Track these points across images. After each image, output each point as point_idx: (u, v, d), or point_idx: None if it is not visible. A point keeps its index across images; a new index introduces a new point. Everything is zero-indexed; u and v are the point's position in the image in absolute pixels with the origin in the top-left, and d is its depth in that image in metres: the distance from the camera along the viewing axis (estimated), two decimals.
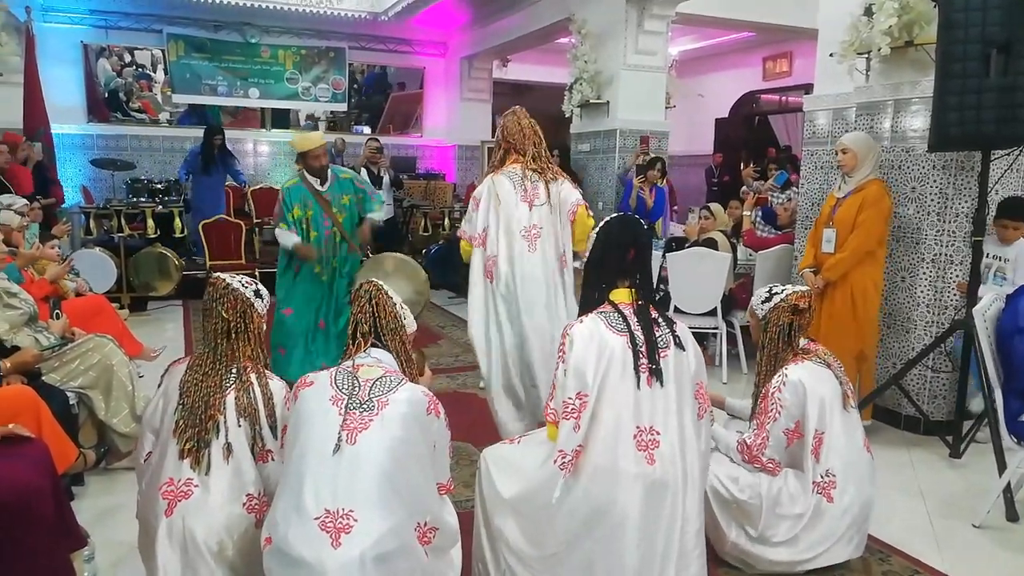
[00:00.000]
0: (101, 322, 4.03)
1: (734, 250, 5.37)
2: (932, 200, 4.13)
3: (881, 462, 2.71)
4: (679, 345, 2.17)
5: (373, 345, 2.12)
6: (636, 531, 2.05)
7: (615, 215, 2.37)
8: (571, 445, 2.07)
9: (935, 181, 4.12)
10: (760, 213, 6.14)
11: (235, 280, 2.40)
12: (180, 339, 5.85)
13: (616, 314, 2.17)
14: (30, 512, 1.99)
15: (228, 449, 2.26)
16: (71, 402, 3.13)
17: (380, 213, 4.71)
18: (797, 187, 6.06)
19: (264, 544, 1.87)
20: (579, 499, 2.07)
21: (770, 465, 2.56)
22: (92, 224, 6.98)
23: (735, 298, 5.33)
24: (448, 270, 7.62)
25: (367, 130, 10.89)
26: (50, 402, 2.77)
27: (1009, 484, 3.12)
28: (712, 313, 5.13)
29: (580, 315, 2.26)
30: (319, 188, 4.34)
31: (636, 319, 2.16)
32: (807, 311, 2.67)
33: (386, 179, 7.49)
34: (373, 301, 2.15)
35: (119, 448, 3.29)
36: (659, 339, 2.15)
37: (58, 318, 3.50)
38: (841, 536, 2.56)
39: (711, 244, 5.22)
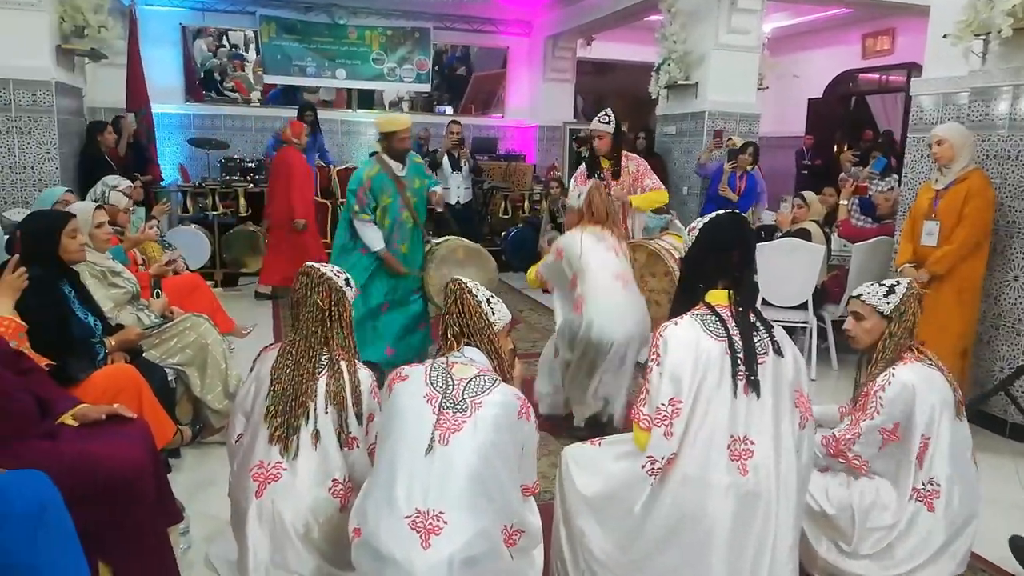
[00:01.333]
0: (197, 300, 4.20)
1: (828, 241, 5.14)
2: None
3: (983, 472, 2.54)
4: (778, 352, 2.07)
5: (465, 344, 2.12)
6: (725, 543, 1.98)
7: (722, 212, 2.25)
8: (661, 452, 2.01)
9: None
10: (857, 202, 5.84)
11: (327, 269, 2.44)
12: (269, 316, 6.05)
13: (714, 317, 2.06)
14: (134, 489, 2.09)
15: (316, 435, 2.31)
16: (169, 379, 3.27)
17: (439, 187, 4.68)
18: (898, 174, 5.75)
19: (353, 535, 1.90)
20: (666, 506, 2.02)
21: (856, 462, 2.44)
22: (189, 203, 7.27)
23: (827, 291, 5.11)
24: (527, 253, 7.60)
25: (449, 111, 10.94)
26: (150, 379, 2.90)
27: None
28: (802, 307, 4.93)
29: (672, 315, 2.17)
30: (398, 173, 4.31)
31: (734, 323, 2.06)
32: (922, 300, 2.56)
33: (465, 168, 7.46)
34: (459, 302, 2.15)
35: (212, 423, 3.43)
36: (757, 344, 2.05)
37: (158, 297, 3.65)
38: (940, 550, 2.41)
39: (804, 235, 5.00)
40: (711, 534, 1.98)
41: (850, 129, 10.89)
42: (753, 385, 2.00)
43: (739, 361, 2.00)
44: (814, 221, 5.26)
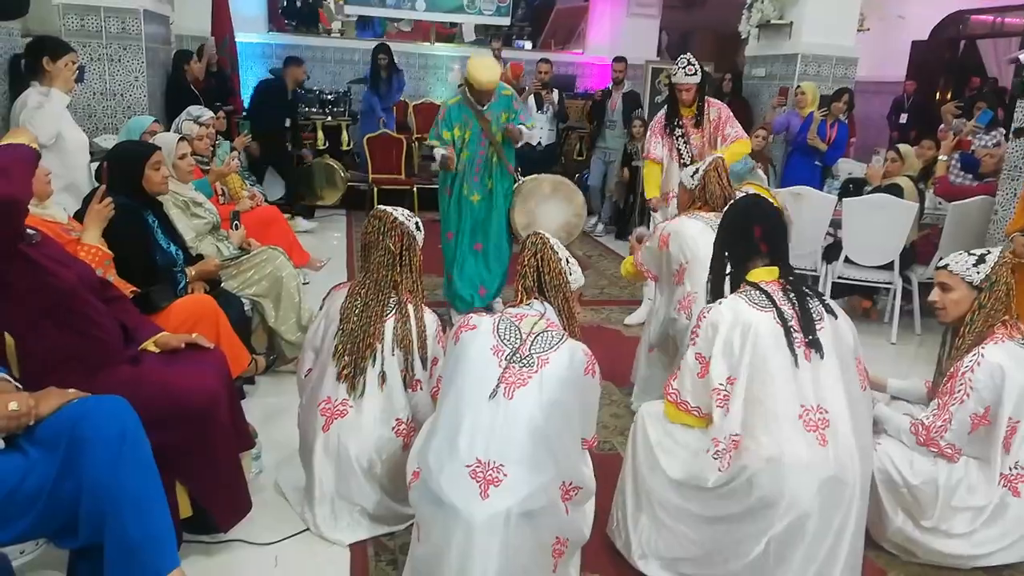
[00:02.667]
0: (273, 232, 4.29)
1: (921, 198, 4.84)
2: None
3: None
4: (831, 313, 2.09)
5: (537, 299, 2.10)
6: (808, 533, 1.96)
7: (740, 197, 2.32)
8: (724, 433, 2.02)
9: None
10: (959, 158, 5.45)
11: (399, 213, 2.45)
12: (343, 250, 6.16)
13: (757, 292, 2.09)
14: (209, 416, 2.18)
15: (383, 376, 2.36)
16: (246, 309, 3.37)
17: (529, 132, 4.43)
18: (1006, 128, 5.32)
19: (411, 477, 1.94)
20: (743, 487, 2.00)
21: (948, 451, 2.33)
22: None
23: (916, 252, 4.84)
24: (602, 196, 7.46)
25: (528, 45, 10.68)
26: (228, 309, 2.99)
27: None
28: (888, 267, 4.69)
29: (712, 299, 2.22)
30: (481, 108, 4.20)
31: (782, 294, 2.08)
32: (1020, 270, 2.39)
33: (549, 112, 7.23)
34: (538, 256, 2.12)
35: (286, 354, 3.54)
36: (812, 310, 2.06)
37: (237, 229, 3.74)
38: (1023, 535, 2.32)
39: (895, 191, 4.72)
40: (793, 523, 1.95)
41: (957, 76, 10.12)
42: (814, 345, 2.01)
43: (792, 330, 2.02)
44: (908, 176, 4.95)
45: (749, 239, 2.19)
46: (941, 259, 2.53)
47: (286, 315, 3.52)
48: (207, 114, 4.43)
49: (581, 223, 4.51)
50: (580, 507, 2.00)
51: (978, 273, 2.37)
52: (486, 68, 4.09)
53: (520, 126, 4.29)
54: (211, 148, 4.50)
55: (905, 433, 2.40)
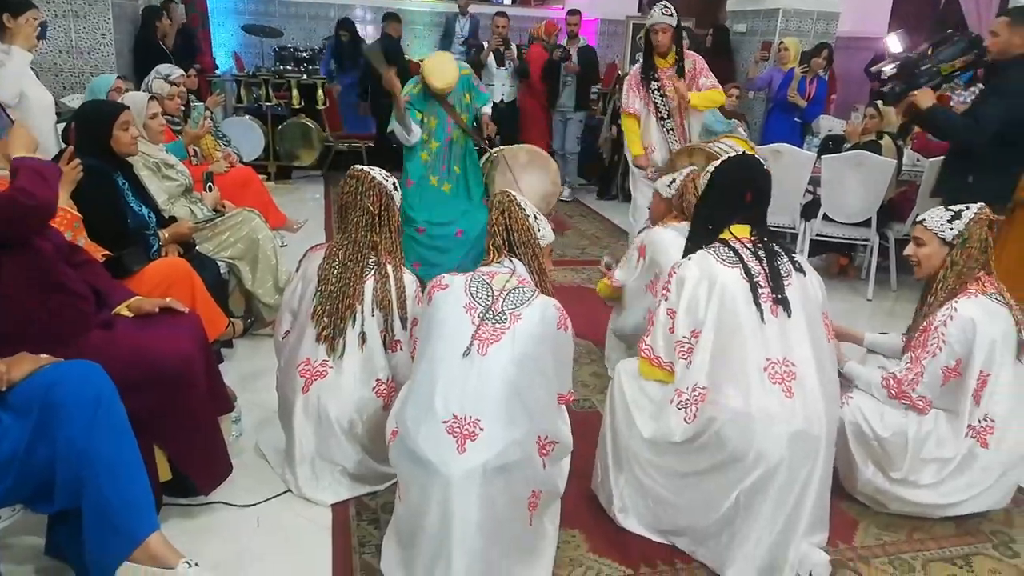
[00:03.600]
0: (249, 194, 4.23)
1: (900, 154, 4.86)
2: None
3: None
4: (800, 270, 2.12)
5: (508, 256, 2.10)
6: (772, 481, 2.00)
7: (732, 156, 2.28)
8: (686, 384, 2.06)
9: None
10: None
11: (377, 172, 2.42)
12: (321, 211, 6.09)
13: (726, 248, 2.13)
14: (187, 379, 2.16)
15: (363, 337, 2.36)
16: (222, 272, 3.33)
17: (488, 106, 4.25)
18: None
19: (390, 436, 1.95)
20: (711, 441, 2.04)
21: (920, 403, 2.37)
22: (242, 92, 7.22)
23: (894, 208, 4.87)
24: (584, 153, 7.36)
25: (507, 0, 10.47)
26: (203, 272, 2.96)
27: None
28: (866, 224, 4.72)
29: (687, 254, 2.22)
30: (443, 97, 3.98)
31: (751, 251, 2.11)
32: (994, 227, 2.43)
33: (510, 68, 6.95)
34: (506, 213, 2.12)
35: (264, 316, 3.52)
36: (781, 267, 2.10)
37: (210, 191, 3.68)
38: (990, 485, 2.38)
39: (874, 147, 4.73)
40: (762, 476, 2.00)
41: (937, 31, 10.06)
42: (782, 303, 2.04)
43: (759, 286, 2.05)
44: (887, 133, 4.96)
45: (739, 202, 2.19)
46: (918, 215, 2.54)
47: (263, 277, 3.49)
48: (177, 72, 4.32)
49: (558, 191, 4.48)
50: (557, 462, 2.03)
51: (951, 229, 2.38)
52: (442, 74, 3.89)
53: (485, 112, 4.17)
54: (182, 108, 4.40)
55: (876, 387, 2.44)
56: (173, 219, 3.15)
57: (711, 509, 2.08)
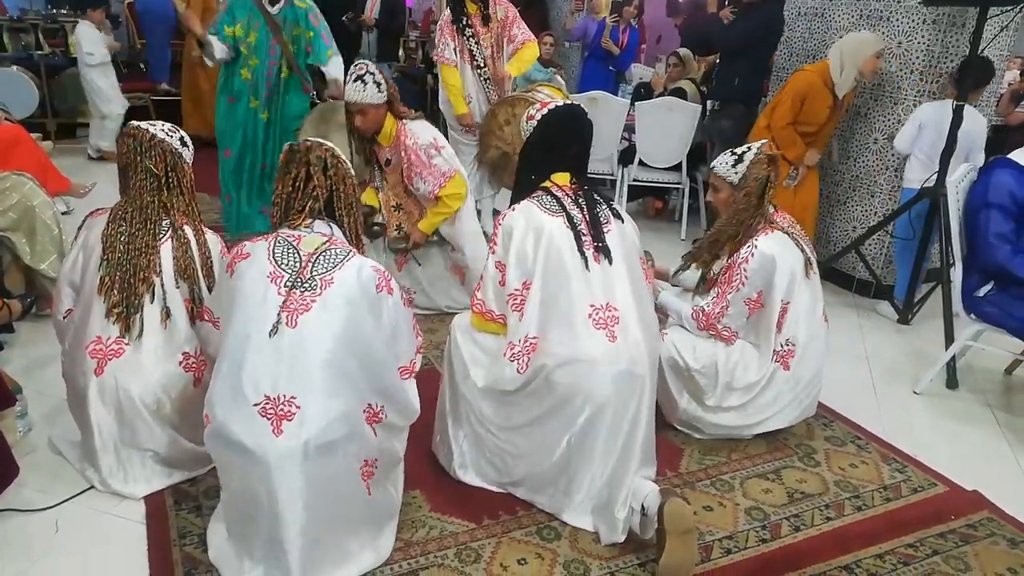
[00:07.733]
0: (18, 156, 3.68)
1: (704, 100, 5.13)
2: (917, 57, 3.92)
3: (831, 326, 2.70)
4: (618, 217, 2.18)
5: (318, 218, 1.90)
6: (604, 425, 2.04)
7: (558, 105, 2.23)
8: (519, 335, 2.06)
9: (923, 37, 3.89)
10: None
11: (158, 128, 2.16)
12: (113, 172, 5.46)
13: (549, 197, 2.14)
14: None
15: (167, 312, 2.13)
16: None
17: (335, 68, 4.00)
18: None
19: (205, 422, 1.77)
20: (542, 386, 2.05)
21: (725, 333, 2.54)
22: (6, 39, 6.28)
23: (702, 152, 5.16)
24: (408, 103, 7.13)
25: None
26: None
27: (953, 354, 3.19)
28: (677, 168, 4.97)
29: (512, 203, 2.20)
30: (269, 8, 3.82)
31: (572, 200, 2.14)
32: (777, 161, 2.55)
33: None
34: (330, 171, 1.89)
35: (49, 294, 3.10)
36: (600, 215, 2.14)
37: None
38: (789, 402, 2.59)
39: (680, 94, 4.96)
40: (590, 417, 2.03)
41: None
42: (603, 251, 2.09)
43: (581, 234, 2.08)
44: (690, 79, 5.21)
45: (565, 153, 2.20)
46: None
47: (44, 250, 3.07)
48: None
49: None
50: (394, 430, 1.93)
51: (736, 173, 2.51)
52: None
53: (330, 74, 3.94)
54: None
55: (687, 319, 2.58)
56: None
57: (546, 455, 2.10)
